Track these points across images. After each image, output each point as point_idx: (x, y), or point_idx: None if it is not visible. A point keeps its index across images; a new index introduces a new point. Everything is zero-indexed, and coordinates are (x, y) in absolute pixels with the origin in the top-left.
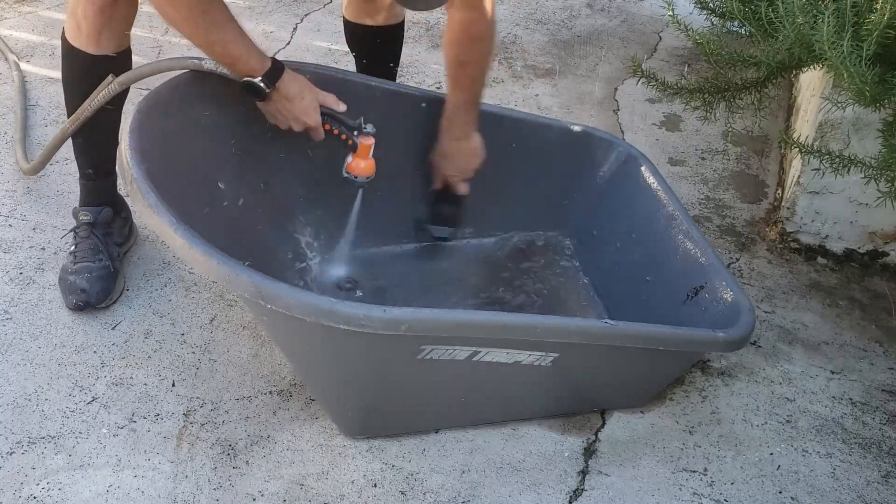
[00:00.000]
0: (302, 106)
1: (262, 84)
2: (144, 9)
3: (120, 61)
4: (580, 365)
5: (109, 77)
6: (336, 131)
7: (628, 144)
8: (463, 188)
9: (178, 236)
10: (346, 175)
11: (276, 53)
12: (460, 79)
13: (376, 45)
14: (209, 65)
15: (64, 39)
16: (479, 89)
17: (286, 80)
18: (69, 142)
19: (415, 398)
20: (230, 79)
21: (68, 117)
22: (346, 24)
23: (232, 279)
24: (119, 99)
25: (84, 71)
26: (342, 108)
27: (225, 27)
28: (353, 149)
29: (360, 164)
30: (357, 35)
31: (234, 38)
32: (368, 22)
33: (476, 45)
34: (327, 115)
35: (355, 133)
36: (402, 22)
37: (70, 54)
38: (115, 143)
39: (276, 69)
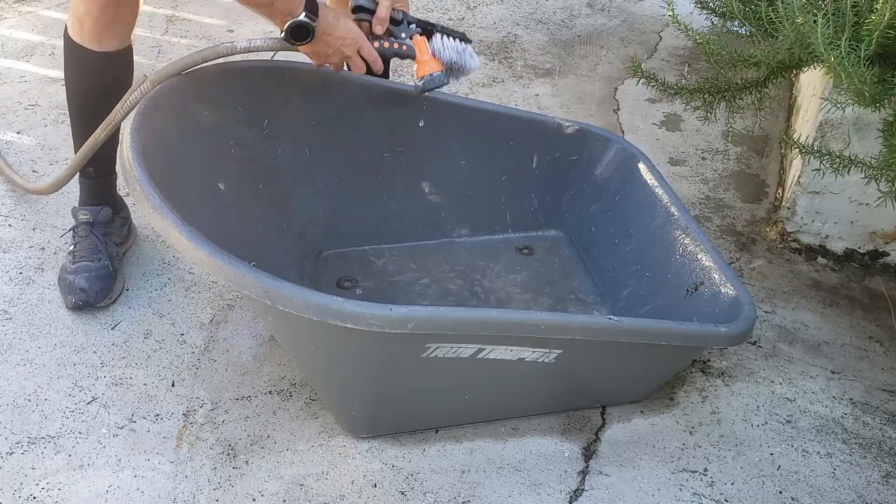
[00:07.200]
0: (346, 25)
1: (307, 19)
2: (144, 8)
3: (122, 58)
4: (583, 361)
5: (143, 76)
6: (387, 44)
7: (625, 141)
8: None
9: (183, 237)
10: (422, 82)
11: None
12: None
13: None
14: (242, 44)
15: (66, 36)
16: None
17: (323, 10)
18: (69, 141)
19: (419, 396)
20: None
21: (70, 115)
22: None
23: (239, 280)
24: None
25: (87, 67)
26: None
27: None
28: (412, 55)
29: (427, 64)
30: None
31: None
32: None
33: None
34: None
35: (403, 36)
36: None
37: (73, 51)
38: (118, 141)
39: (311, 2)
